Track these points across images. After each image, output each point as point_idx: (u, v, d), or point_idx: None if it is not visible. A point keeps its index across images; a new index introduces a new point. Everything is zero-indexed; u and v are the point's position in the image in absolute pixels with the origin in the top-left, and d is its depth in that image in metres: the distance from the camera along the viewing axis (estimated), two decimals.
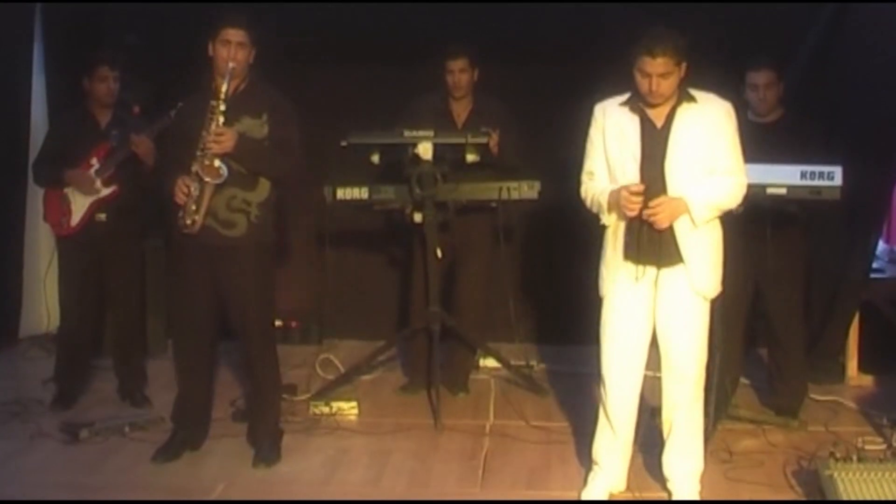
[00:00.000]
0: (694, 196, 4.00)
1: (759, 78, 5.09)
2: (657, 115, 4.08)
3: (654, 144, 4.06)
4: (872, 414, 5.32)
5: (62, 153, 5.45)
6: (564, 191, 6.43)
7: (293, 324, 6.93)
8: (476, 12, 6.20)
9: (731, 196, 4.11)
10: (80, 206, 5.44)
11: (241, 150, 4.49)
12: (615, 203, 4.07)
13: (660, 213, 3.99)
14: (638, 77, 4.00)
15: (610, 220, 4.15)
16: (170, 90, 5.33)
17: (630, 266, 4.12)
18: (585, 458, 4.78)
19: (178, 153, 4.61)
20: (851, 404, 5.56)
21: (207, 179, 4.47)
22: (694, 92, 4.09)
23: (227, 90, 4.46)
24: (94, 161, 5.41)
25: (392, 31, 6.30)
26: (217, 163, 4.46)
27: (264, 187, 4.65)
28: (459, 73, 5.55)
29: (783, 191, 4.70)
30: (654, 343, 4.19)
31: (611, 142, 4.13)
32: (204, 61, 4.58)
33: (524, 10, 6.27)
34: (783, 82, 5.18)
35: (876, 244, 6.10)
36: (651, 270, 4.10)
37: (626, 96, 4.13)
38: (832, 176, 4.82)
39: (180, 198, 4.49)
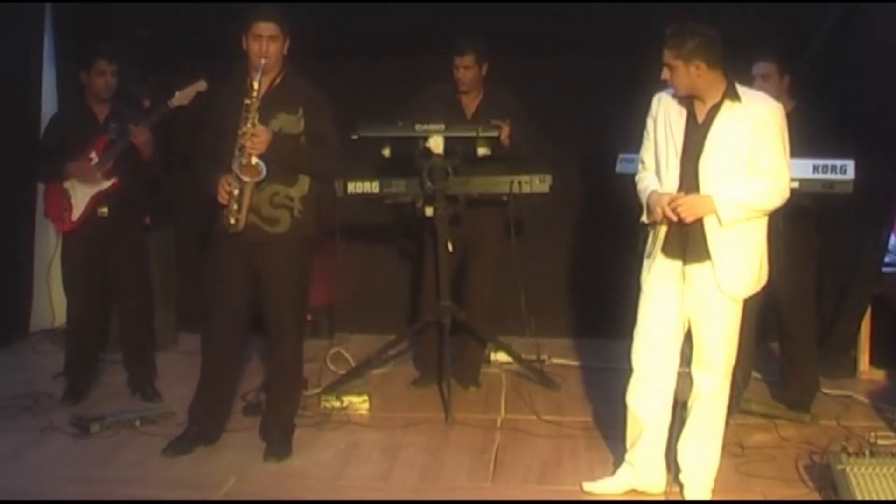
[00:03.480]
0: (722, 194, 3.97)
1: (757, 69, 5.07)
2: (700, 111, 4.05)
3: (693, 140, 4.04)
4: (884, 408, 5.32)
5: (60, 148, 5.43)
6: (576, 184, 6.48)
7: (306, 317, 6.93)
8: (488, 3, 6.17)
9: (765, 198, 4.03)
10: (80, 200, 5.42)
11: (276, 148, 4.46)
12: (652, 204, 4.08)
13: (681, 208, 3.97)
14: None
15: (648, 219, 4.15)
16: (179, 83, 5.31)
17: (666, 260, 4.12)
18: (596, 453, 4.79)
19: (215, 150, 4.58)
20: (863, 399, 5.55)
21: (246, 179, 4.45)
22: (742, 90, 4.04)
23: (261, 86, 4.44)
24: (93, 155, 5.39)
25: (404, 22, 6.27)
26: (255, 161, 4.43)
27: (304, 182, 4.63)
28: (465, 69, 5.53)
29: (795, 184, 4.66)
30: (688, 338, 4.17)
31: (660, 132, 4.13)
32: (212, 53, 4.56)
33: (535, 1, 6.25)
34: (790, 75, 5.14)
35: (888, 238, 6.07)
36: (684, 265, 4.08)
37: None
38: (845, 170, 4.81)
39: (223, 197, 4.47)
